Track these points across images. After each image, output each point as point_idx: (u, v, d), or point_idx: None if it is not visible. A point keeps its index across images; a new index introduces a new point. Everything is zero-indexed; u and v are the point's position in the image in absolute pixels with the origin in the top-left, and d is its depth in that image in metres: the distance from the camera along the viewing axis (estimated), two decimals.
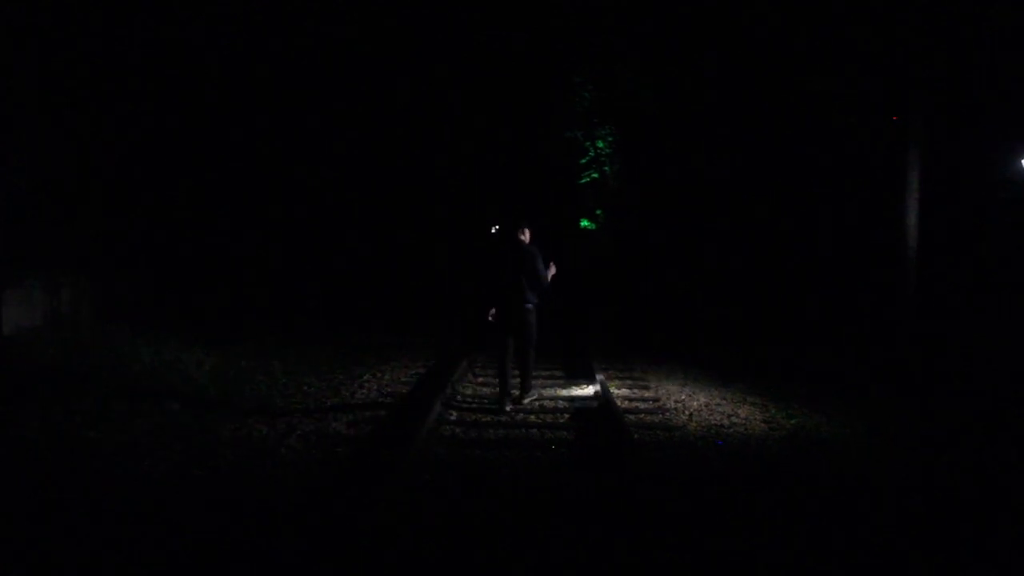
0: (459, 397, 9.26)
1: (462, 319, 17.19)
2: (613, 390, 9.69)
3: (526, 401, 8.88)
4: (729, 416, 8.65)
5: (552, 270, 8.88)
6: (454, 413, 8.46)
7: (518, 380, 9.04)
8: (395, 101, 21.19)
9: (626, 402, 9.21)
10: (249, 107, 17.00)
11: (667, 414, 8.65)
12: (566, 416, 8.44)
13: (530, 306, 8.63)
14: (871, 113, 13.22)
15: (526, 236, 8.78)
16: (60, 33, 12.02)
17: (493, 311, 8.78)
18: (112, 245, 13.71)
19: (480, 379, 10.50)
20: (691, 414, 8.69)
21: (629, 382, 10.55)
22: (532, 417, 8.36)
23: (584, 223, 24.23)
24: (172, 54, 14.35)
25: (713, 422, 8.36)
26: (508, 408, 8.59)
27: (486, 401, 9.06)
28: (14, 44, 11.24)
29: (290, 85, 18.03)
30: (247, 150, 17.15)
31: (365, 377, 10.51)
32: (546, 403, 9.07)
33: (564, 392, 9.72)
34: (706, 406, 9.11)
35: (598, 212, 23.86)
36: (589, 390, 9.59)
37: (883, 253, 11.71)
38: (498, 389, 9.04)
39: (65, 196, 12.52)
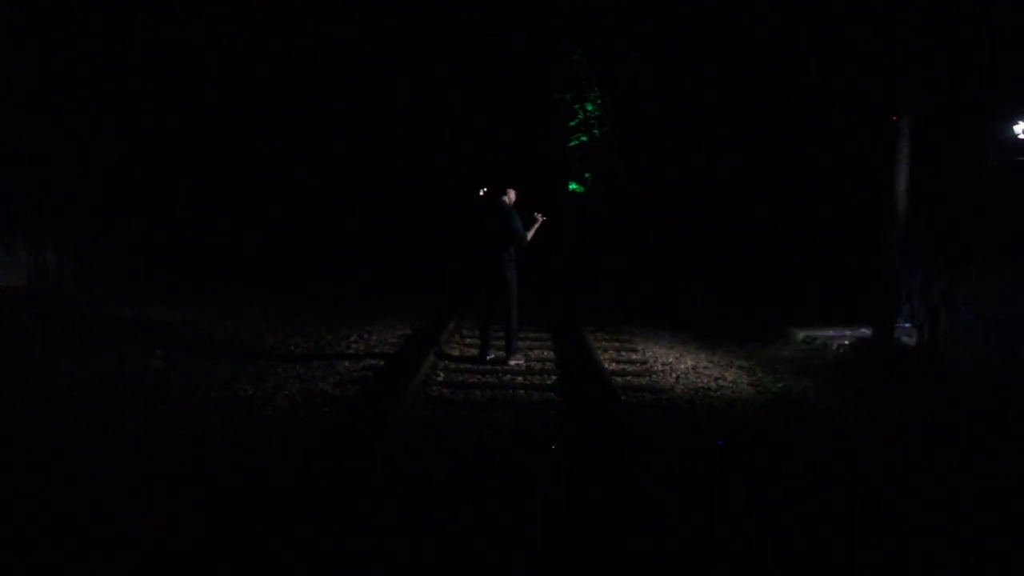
0: (446, 358, 9.24)
1: (453, 287, 17.15)
2: (600, 353, 9.70)
3: (512, 363, 8.95)
4: (716, 379, 8.67)
5: (539, 221, 9.25)
6: (441, 374, 8.45)
7: (503, 342, 9.15)
8: (394, 93, 21.02)
9: (613, 364, 9.22)
10: (247, 101, 16.86)
11: (654, 376, 8.66)
12: (553, 378, 8.44)
13: (509, 261, 9.00)
14: (869, 111, 13.11)
15: (510, 197, 9.16)
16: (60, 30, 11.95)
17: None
18: (100, 209, 13.60)
19: (467, 340, 10.48)
20: (678, 377, 8.70)
21: (616, 344, 10.55)
22: (519, 379, 8.36)
23: (572, 186, 24.09)
24: (172, 52, 14.24)
25: (700, 384, 8.37)
26: (490, 357, 9.08)
27: (473, 363, 9.06)
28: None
29: (289, 84, 17.91)
30: (245, 141, 17.05)
31: (352, 338, 10.48)
32: (533, 364, 9.08)
33: (551, 354, 9.73)
34: (693, 369, 9.13)
35: (587, 176, 23.71)
36: (576, 352, 9.59)
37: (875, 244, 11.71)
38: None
39: (51, 160, 12.42)
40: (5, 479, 5.05)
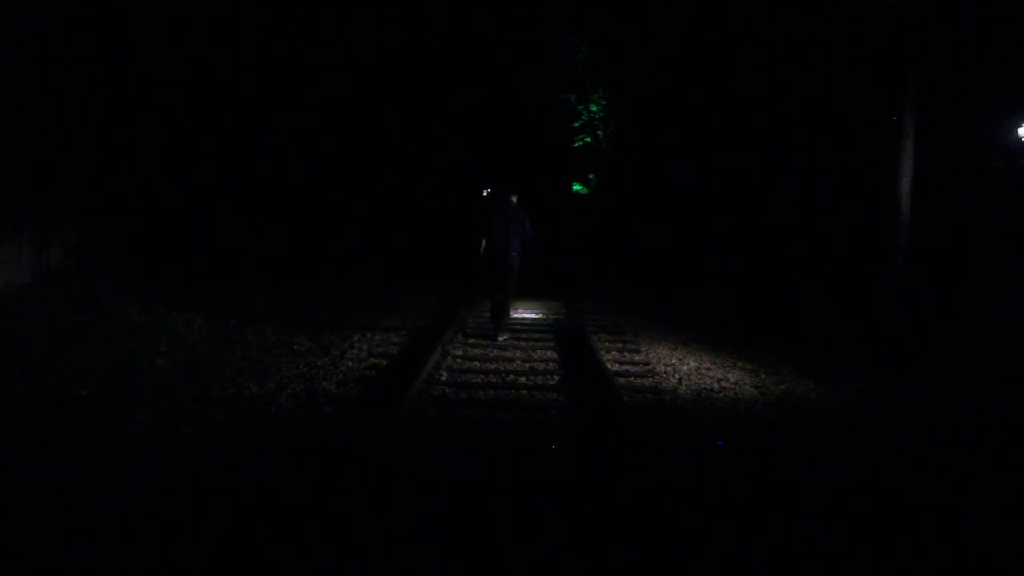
0: (449, 358, 9.25)
1: (455, 284, 17.17)
2: (604, 353, 9.70)
3: (500, 339, 10.30)
4: (719, 380, 8.67)
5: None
6: (444, 374, 8.46)
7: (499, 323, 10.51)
8: (394, 91, 21.06)
9: (616, 365, 9.22)
10: (249, 100, 16.93)
11: (657, 377, 8.67)
12: (556, 378, 8.45)
13: (515, 255, 10.39)
14: (870, 110, 13.12)
15: (515, 200, 10.49)
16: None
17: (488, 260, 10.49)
18: (105, 208, 13.64)
19: (471, 340, 10.48)
20: (681, 378, 8.70)
21: (619, 345, 10.55)
22: (523, 379, 8.37)
23: (576, 187, 24.11)
24: (180, 50, 14.35)
25: (703, 386, 8.38)
26: (501, 339, 10.34)
27: (476, 363, 9.07)
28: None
29: (286, 83, 17.98)
30: (248, 140, 17.12)
31: (356, 338, 10.48)
32: (537, 365, 9.09)
33: (554, 355, 9.73)
34: (696, 370, 9.13)
35: (591, 176, 23.72)
36: (580, 353, 9.60)
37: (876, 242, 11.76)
38: (489, 340, 10.43)
39: (56, 157, 12.46)
40: (9, 476, 5.08)
